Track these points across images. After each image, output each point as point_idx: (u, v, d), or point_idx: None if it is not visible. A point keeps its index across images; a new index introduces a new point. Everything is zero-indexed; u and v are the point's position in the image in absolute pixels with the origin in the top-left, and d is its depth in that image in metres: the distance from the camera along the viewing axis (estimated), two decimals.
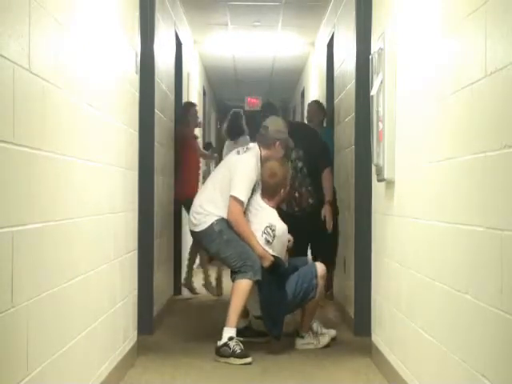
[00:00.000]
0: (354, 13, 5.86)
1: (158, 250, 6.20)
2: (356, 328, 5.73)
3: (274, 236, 5.34)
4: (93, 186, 3.72)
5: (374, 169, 4.92)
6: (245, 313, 5.52)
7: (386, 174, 4.45)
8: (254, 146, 5.60)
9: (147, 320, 5.61)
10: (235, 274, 5.32)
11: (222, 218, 5.36)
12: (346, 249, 6.47)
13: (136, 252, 5.08)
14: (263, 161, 5.53)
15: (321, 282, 5.44)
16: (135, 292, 5.06)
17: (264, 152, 5.56)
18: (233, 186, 5.32)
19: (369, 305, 5.31)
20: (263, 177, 5.44)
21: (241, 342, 5.12)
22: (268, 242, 5.33)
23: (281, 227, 5.40)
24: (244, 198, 5.31)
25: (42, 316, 2.87)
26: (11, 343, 2.54)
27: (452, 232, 3.13)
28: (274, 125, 5.69)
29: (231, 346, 5.06)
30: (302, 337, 5.51)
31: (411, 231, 3.93)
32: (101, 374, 3.92)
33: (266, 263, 5.30)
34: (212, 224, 5.36)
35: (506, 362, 2.51)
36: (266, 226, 5.35)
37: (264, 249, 5.31)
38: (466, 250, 2.93)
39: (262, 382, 4.60)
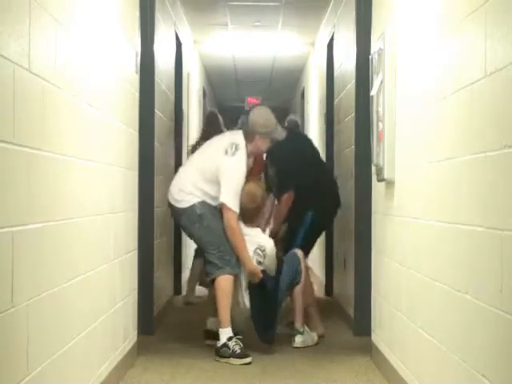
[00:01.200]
0: (354, 13, 5.86)
1: (158, 250, 6.20)
2: (356, 328, 5.73)
3: (264, 256, 5.34)
4: (93, 186, 3.72)
5: (373, 169, 4.92)
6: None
7: (386, 174, 4.45)
8: (241, 141, 5.30)
9: (147, 320, 5.61)
10: (211, 266, 5.22)
11: (204, 201, 5.25)
12: (346, 249, 6.47)
13: (136, 252, 5.08)
14: (248, 155, 5.31)
15: (303, 266, 5.55)
16: (135, 292, 5.06)
17: (248, 146, 5.34)
18: (225, 193, 5.17)
19: (369, 305, 5.31)
20: (243, 203, 5.26)
21: (240, 340, 5.12)
22: (260, 262, 5.34)
23: (270, 245, 5.37)
24: (237, 208, 5.21)
25: (42, 316, 2.87)
26: (11, 343, 2.54)
27: (452, 232, 3.13)
28: (255, 117, 5.40)
29: (231, 346, 5.06)
30: (301, 333, 5.50)
31: (411, 231, 3.93)
32: (101, 374, 3.92)
33: (256, 279, 5.29)
34: (194, 205, 5.26)
35: (506, 362, 2.51)
36: (256, 248, 5.33)
37: (254, 265, 5.28)
38: (466, 250, 2.93)
39: (261, 381, 4.60)
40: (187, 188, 5.29)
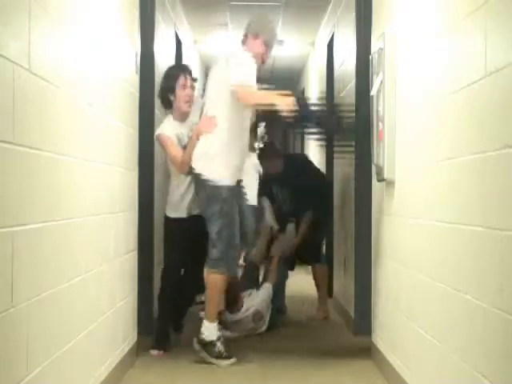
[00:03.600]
0: (353, 13, 5.86)
1: (158, 250, 6.19)
2: (356, 328, 5.73)
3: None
4: (93, 186, 3.72)
5: (374, 169, 4.92)
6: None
7: (386, 174, 4.45)
8: (239, 49, 5.15)
9: (147, 320, 5.59)
10: (210, 260, 5.00)
11: (232, 188, 4.97)
12: (346, 249, 6.47)
13: (136, 252, 5.08)
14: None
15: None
16: (135, 292, 5.06)
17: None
18: (237, 76, 4.83)
19: (369, 305, 5.31)
20: None
21: (225, 340, 5.05)
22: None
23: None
24: (252, 83, 4.82)
25: (42, 316, 2.87)
26: (11, 343, 2.54)
27: (452, 232, 3.13)
28: (260, 19, 5.48)
29: (218, 347, 4.96)
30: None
31: (411, 231, 3.93)
32: (101, 374, 3.92)
33: (288, 103, 4.66)
34: (222, 187, 4.93)
35: (506, 362, 2.51)
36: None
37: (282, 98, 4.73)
38: (466, 249, 2.93)
39: (261, 382, 4.60)
40: (221, 158, 4.96)
